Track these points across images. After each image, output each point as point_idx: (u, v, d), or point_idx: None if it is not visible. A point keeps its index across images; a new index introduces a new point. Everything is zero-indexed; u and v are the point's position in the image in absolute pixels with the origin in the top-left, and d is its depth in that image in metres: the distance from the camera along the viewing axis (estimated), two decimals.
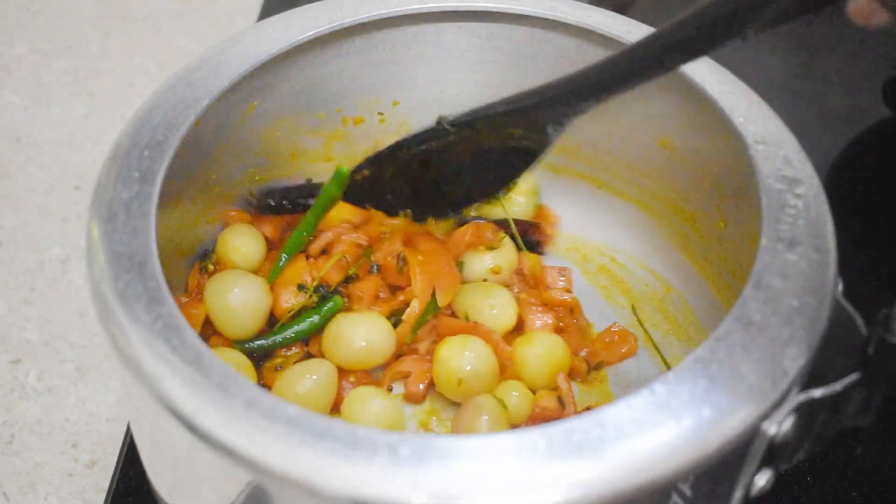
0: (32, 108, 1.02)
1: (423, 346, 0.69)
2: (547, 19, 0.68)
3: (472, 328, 0.68)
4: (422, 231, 0.72)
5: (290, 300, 0.68)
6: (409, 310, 0.69)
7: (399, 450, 0.43)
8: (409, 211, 0.71)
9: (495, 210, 0.76)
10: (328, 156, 0.76)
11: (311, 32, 0.66)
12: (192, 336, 0.47)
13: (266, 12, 1.08)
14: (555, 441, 0.43)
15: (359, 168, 0.69)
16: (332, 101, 0.73)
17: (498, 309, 0.69)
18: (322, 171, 0.76)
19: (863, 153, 0.96)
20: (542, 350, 0.67)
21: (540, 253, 0.76)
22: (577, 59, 0.70)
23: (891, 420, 0.50)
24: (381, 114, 0.75)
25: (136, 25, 1.12)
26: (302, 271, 0.69)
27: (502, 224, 0.75)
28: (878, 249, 0.86)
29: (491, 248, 0.72)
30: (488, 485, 0.42)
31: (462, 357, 0.65)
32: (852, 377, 0.48)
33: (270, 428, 0.44)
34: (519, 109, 0.61)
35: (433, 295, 0.69)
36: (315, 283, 0.69)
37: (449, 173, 0.67)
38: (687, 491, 0.45)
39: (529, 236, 0.75)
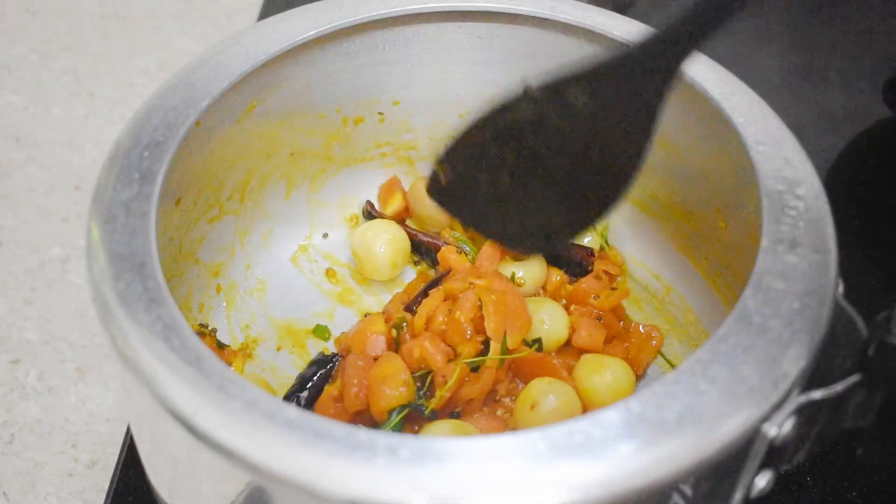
0: (32, 108, 1.02)
1: (502, 388, 0.65)
2: (547, 19, 0.68)
3: (546, 365, 0.65)
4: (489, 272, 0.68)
5: (388, 399, 0.62)
6: (490, 352, 0.64)
7: (399, 451, 0.43)
8: (500, 235, 0.62)
9: None
10: (328, 156, 0.76)
11: (311, 32, 0.66)
12: (191, 337, 0.47)
13: (266, 12, 1.08)
14: (555, 442, 0.43)
15: (440, 165, 0.59)
16: (332, 101, 0.73)
17: (549, 324, 0.67)
18: (318, 173, 0.77)
19: (863, 153, 0.96)
20: (611, 379, 0.65)
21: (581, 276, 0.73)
22: (577, 59, 0.69)
23: (891, 420, 0.50)
24: (381, 114, 0.75)
25: (136, 25, 1.12)
26: (399, 369, 0.63)
27: None
28: (878, 250, 0.86)
29: (517, 259, 0.71)
30: (488, 486, 0.42)
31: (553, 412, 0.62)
32: (853, 378, 0.48)
33: (270, 429, 0.44)
34: (612, 60, 0.51)
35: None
36: (419, 383, 0.64)
37: (544, 171, 0.56)
38: (688, 492, 0.45)
39: (573, 257, 0.73)
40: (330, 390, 0.64)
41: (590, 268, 0.73)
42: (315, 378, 0.66)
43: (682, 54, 0.50)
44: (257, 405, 0.45)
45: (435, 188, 0.60)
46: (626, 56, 0.51)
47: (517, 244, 0.64)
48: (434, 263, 0.74)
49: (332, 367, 0.66)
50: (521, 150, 0.57)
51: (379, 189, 0.78)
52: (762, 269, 0.51)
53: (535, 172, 0.57)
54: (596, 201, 0.58)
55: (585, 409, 0.64)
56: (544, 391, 0.63)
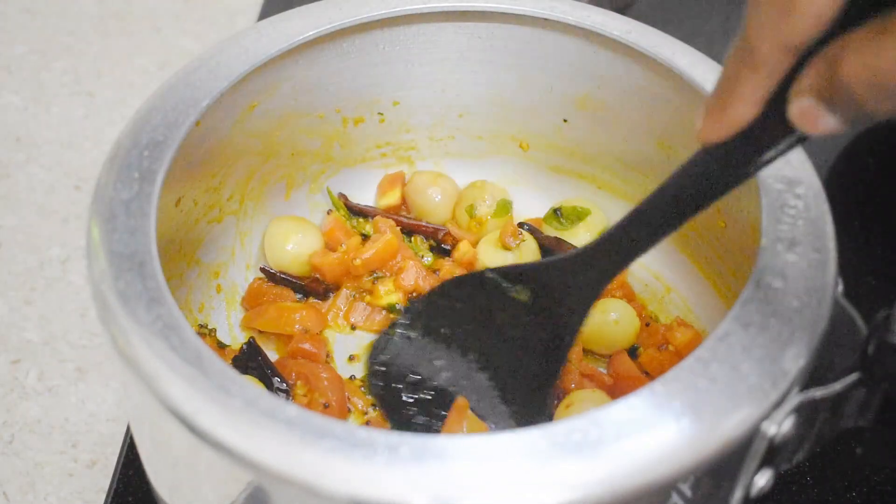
0: (32, 108, 1.02)
1: None
2: (547, 19, 0.68)
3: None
4: None
5: None
6: None
7: (399, 450, 0.43)
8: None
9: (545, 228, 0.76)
10: (328, 156, 0.76)
11: (311, 32, 0.66)
12: (191, 336, 0.47)
13: (266, 12, 1.08)
14: (555, 441, 0.43)
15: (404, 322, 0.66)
16: (332, 101, 0.73)
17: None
18: (318, 173, 0.77)
19: (863, 153, 0.96)
20: (616, 316, 0.68)
21: None
22: (577, 59, 0.70)
23: (891, 420, 0.50)
24: (381, 114, 0.75)
25: (136, 25, 1.12)
26: None
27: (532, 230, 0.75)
28: (878, 249, 0.86)
29: (507, 248, 0.71)
30: (488, 485, 0.42)
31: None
32: (852, 377, 0.48)
33: (270, 427, 0.44)
34: (555, 265, 0.58)
35: None
36: None
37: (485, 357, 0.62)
38: (687, 491, 0.45)
39: (554, 251, 0.73)
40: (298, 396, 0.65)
41: None
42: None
43: (618, 264, 0.55)
44: (257, 404, 0.45)
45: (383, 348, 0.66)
46: (568, 262, 0.57)
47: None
48: (437, 244, 0.76)
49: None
50: (466, 329, 0.63)
51: (381, 179, 0.78)
52: (762, 268, 0.51)
53: (475, 357, 0.63)
54: (522, 402, 0.62)
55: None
56: (582, 396, 0.64)
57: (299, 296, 0.73)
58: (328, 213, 0.76)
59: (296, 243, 0.72)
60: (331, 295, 0.73)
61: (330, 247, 0.73)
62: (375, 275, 0.72)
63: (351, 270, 0.71)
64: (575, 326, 0.58)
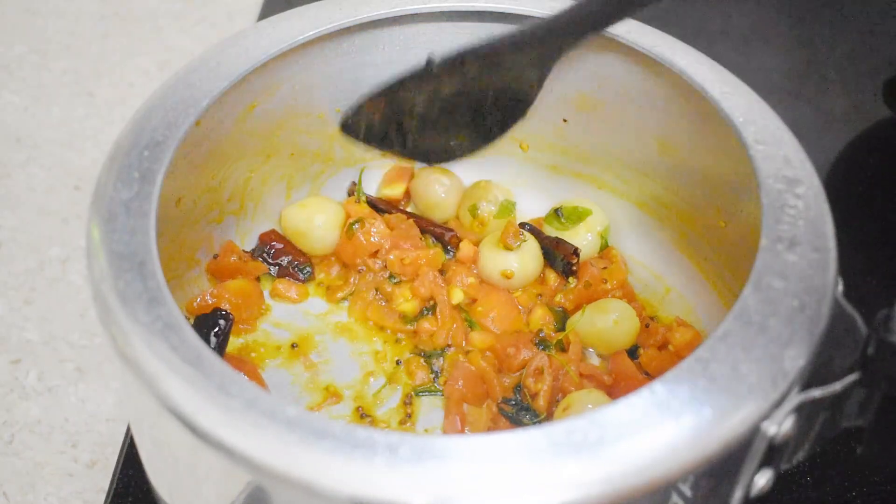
0: (32, 108, 1.02)
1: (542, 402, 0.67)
2: None
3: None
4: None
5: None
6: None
7: (399, 450, 0.43)
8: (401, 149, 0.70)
9: (547, 229, 0.76)
10: (328, 156, 0.76)
11: (311, 32, 0.66)
12: (191, 336, 0.47)
13: (266, 12, 1.09)
14: (555, 441, 0.43)
15: (350, 114, 0.67)
16: (332, 101, 0.73)
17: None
18: (318, 173, 0.77)
19: (863, 153, 0.96)
20: (616, 316, 0.68)
21: (567, 275, 0.74)
22: (577, 59, 0.70)
23: (890, 419, 0.50)
24: None
25: (136, 25, 1.13)
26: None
27: (535, 231, 0.75)
28: (878, 249, 0.86)
29: (508, 248, 0.71)
30: (488, 485, 0.42)
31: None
32: (852, 377, 0.48)
33: (270, 428, 0.44)
34: (508, 44, 0.61)
35: None
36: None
37: (439, 121, 0.67)
38: (687, 491, 0.45)
39: (558, 255, 0.73)
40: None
41: (574, 267, 0.73)
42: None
43: (568, 38, 0.61)
44: (257, 404, 0.45)
45: (350, 125, 0.67)
46: (516, 39, 0.61)
47: (423, 156, 0.71)
48: (445, 248, 0.75)
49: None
50: (426, 101, 0.66)
51: (388, 170, 0.78)
52: (762, 268, 0.51)
53: (436, 113, 0.66)
54: (492, 127, 0.68)
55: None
56: (582, 398, 0.64)
57: (272, 269, 0.73)
58: (348, 196, 0.77)
59: (323, 221, 0.73)
60: (307, 275, 0.73)
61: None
62: (394, 280, 0.72)
63: (360, 253, 0.72)
64: (540, 80, 0.65)
